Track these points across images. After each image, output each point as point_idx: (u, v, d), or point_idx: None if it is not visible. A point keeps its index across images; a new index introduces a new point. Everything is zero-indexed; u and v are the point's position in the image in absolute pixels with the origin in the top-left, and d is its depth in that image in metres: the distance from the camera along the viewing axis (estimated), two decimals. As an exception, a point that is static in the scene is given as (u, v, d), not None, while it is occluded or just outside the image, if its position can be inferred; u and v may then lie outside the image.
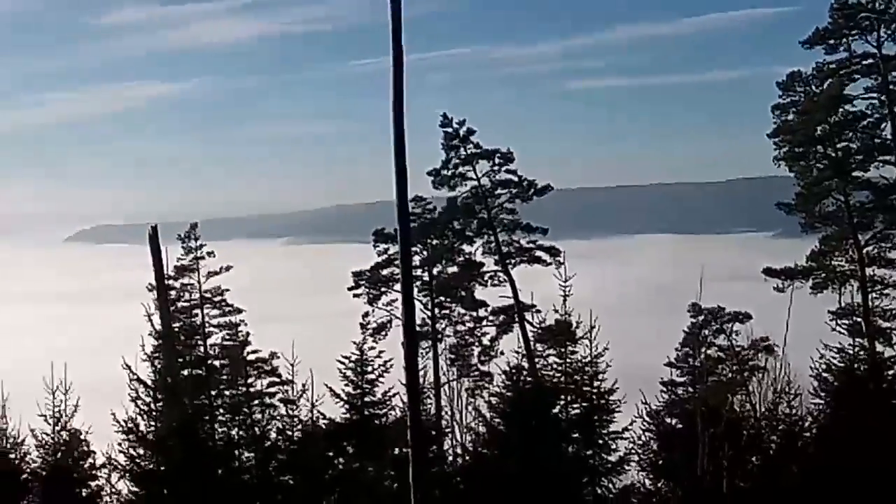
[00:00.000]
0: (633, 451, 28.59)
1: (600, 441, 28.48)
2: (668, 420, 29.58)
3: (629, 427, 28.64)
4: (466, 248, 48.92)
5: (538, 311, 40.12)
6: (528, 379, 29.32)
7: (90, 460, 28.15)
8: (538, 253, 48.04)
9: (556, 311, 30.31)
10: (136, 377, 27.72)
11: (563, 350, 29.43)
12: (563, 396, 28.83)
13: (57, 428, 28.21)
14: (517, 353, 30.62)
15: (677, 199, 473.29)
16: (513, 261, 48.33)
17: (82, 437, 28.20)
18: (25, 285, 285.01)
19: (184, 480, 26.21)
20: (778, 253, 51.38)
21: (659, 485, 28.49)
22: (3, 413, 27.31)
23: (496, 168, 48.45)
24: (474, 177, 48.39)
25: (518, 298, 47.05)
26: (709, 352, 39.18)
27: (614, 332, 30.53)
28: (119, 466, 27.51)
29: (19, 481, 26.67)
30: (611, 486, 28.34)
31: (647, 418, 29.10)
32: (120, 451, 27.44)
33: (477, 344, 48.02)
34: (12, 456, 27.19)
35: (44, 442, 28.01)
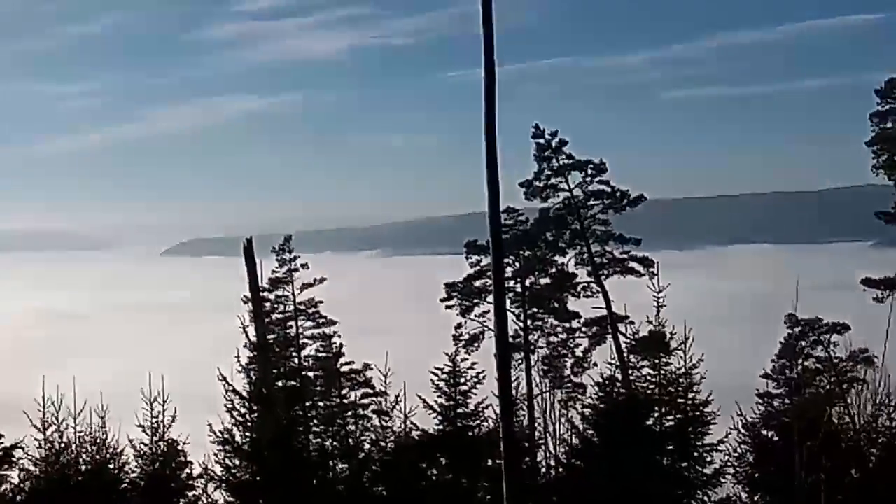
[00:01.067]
0: (728, 463, 28.21)
1: (695, 453, 28.13)
2: (765, 432, 29.15)
3: (724, 439, 28.26)
4: (559, 259, 48.80)
5: (631, 323, 39.80)
6: (622, 390, 29.10)
7: (187, 470, 28.40)
8: (631, 264, 47.75)
9: (650, 322, 30.02)
10: (231, 388, 27.97)
11: (656, 361, 29.15)
12: (656, 408, 28.54)
13: (155, 438, 28.53)
14: (610, 364, 30.38)
15: (772, 209, 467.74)
16: (606, 272, 48.08)
17: (179, 447, 28.48)
18: (124, 298, 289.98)
19: (279, 491, 26.39)
20: (877, 263, 50.54)
21: (755, 498, 28.09)
22: (102, 424, 27.64)
23: (589, 179, 48.30)
24: (567, 188, 48.27)
25: (611, 309, 46.79)
26: (806, 363, 38.60)
27: (709, 343, 30.15)
28: (215, 476, 27.75)
29: (118, 491, 27.02)
30: (706, 499, 27.99)
31: (742, 431, 28.69)
32: (216, 462, 27.68)
33: (570, 355, 47.86)
34: (111, 466, 27.53)
35: (142, 452, 28.32)
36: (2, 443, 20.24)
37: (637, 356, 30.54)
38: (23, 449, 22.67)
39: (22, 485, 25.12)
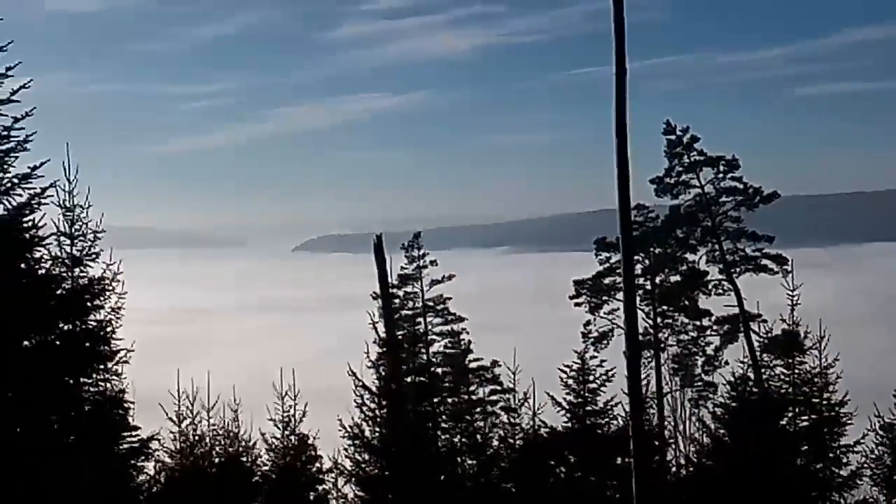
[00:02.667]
0: (865, 465, 27.53)
1: (830, 454, 27.54)
2: (903, 434, 28.38)
3: (861, 440, 27.57)
4: (690, 256, 48.26)
5: (764, 321, 39.11)
6: (754, 390, 28.61)
7: (317, 464, 28.71)
8: (764, 261, 47.01)
9: (784, 321, 29.45)
10: (361, 384, 28.16)
11: (790, 361, 28.59)
12: (790, 408, 28.00)
13: (286, 432, 28.89)
14: (742, 362, 29.91)
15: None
16: (737, 269, 47.38)
17: (310, 441, 28.79)
18: (257, 294, 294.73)
19: (407, 486, 26.51)
20: None
21: (893, 501, 27.38)
22: (235, 417, 28.07)
23: (721, 175, 47.64)
24: (698, 184, 47.70)
25: (743, 307, 46.12)
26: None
27: (845, 342, 29.44)
28: (345, 471, 27.99)
29: (251, 483, 27.41)
30: (841, 501, 27.38)
31: (880, 432, 27.97)
32: (346, 456, 27.91)
33: (700, 354, 47.33)
34: (244, 459, 27.93)
35: (273, 446, 28.70)
36: (138, 435, 20.64)
37: (770, 355, 30.01)
38: (159, 441, 23.08)
39: (157, 476, 25.61)
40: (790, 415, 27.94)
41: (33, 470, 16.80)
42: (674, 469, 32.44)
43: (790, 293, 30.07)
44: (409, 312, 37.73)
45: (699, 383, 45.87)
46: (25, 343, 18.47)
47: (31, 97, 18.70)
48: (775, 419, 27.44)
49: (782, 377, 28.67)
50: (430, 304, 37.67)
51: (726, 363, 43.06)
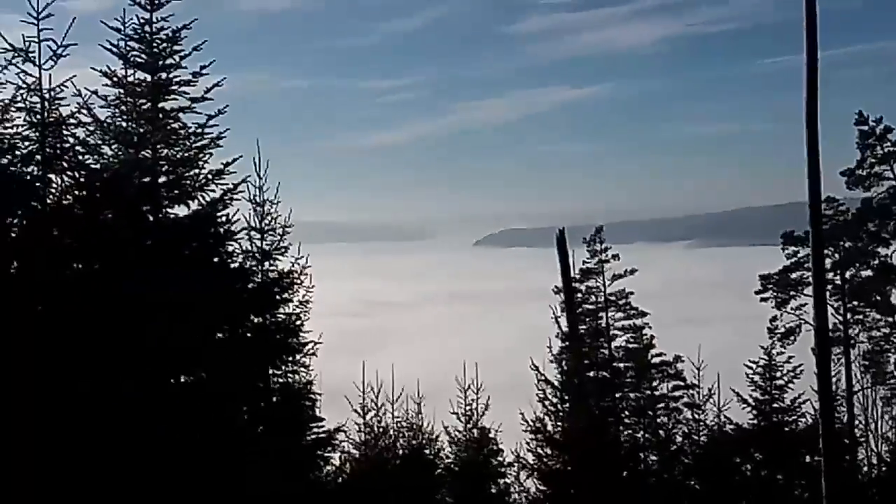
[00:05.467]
0: None
1: None
2: None
3: None
4: (882, 250, 46.81)
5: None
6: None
7: (499, 458, 28.84)
8: (961, 256, 45.34)
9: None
10: (543, 378, 28.18)
11: None
12: None
13: (468, 425, 29.09)
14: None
15: None
16: (932, 264, 45.81)
17: (492, 434, 28.94)
18: (439, 287, 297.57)
19: (589, 480, 26.43)
20: None
21: None
22: (418, 409, 28.40)
23: (916, 167, 46.06)
24: (892, 176, 46.19)
25: (939, 303, 44.59)
26: None
27: None
28: (527, 465, 28.06)
29: (434, 476, 27.69)
30: None
31: None
32: (528, 450, 27.99)
33: (893, 351, 45.92)
34: (427, 451, 28.23)
35: (456, 439, 28.94)
36: (324, 426, 21.06)
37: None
38: (344, 432, 23.52)
39: (343, 467, 26.10)
40: None
41: (224, 459, 17.29)
42: (865, 468, 31.62)
43: None
44: (591, 307, 37.44)
45: (892, 381, 44.52)
46: (219, 335, 19.01)
47: (224, 95, 19.25)
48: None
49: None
50: (612, 298, 37.30)
51: (921, 360, 41.75)
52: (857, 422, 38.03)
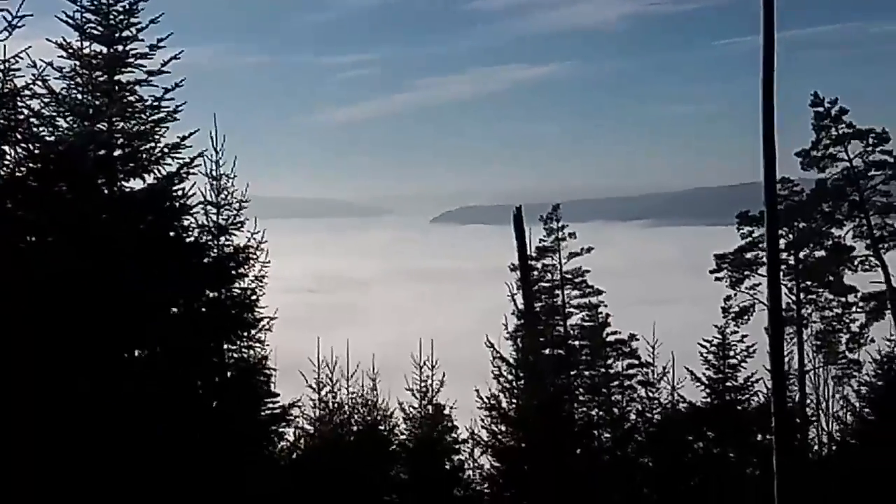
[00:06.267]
0: None
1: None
2: None
3: None
4: (835, 231, 47.19)
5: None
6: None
7: (453, 434, 28.89)
8: (913, 237, 45.77)
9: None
10: (499, 355, 28.22)
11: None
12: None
13: (423, 402, 29.10)
14: (889, 341, 29.27)
15: None
16: (885, 245, 46.21)
17: (446, 411, 28.97)
18: (395, 264, 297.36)
19: (543, 457, 26.54)
20: None
21: None
22: (373, 386, 28.38)
23: (870, 149, 46.35)
24: (846, 158, 46.51)
25: (891, 284, 44.99)
26: None
27: None
28: (481, 441, 28.13)
29: (388, 452, 27.70)
30: None
31: None
32: (482, 427, 28.04)
33: (845, 331, 46.35)
34: (382, 427, 28.23)
35: (411, 415, 28.95)
36: (279, 401, 21.01)
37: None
38: (299, 408, 23.48)
39: (297, 442, 26.08)
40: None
41: (177, 435, 17.21)
42: (816, 447, 31.93)
43: (941, 270, 29.33)
44: (547, 285, 37.60)
45: (843, 361, 44.95)
46: (174, 310, 18.92)
47: (182, 68, 19.08)
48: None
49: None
50: (569, 276, 37.46)
51: (872, 341, 42.13)
52: (808, 401, 38.36)
